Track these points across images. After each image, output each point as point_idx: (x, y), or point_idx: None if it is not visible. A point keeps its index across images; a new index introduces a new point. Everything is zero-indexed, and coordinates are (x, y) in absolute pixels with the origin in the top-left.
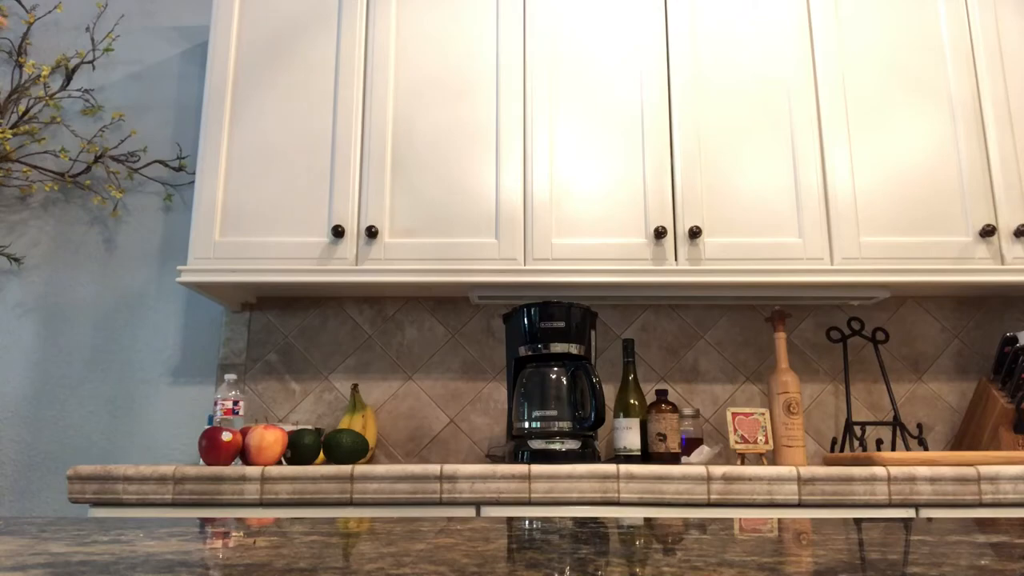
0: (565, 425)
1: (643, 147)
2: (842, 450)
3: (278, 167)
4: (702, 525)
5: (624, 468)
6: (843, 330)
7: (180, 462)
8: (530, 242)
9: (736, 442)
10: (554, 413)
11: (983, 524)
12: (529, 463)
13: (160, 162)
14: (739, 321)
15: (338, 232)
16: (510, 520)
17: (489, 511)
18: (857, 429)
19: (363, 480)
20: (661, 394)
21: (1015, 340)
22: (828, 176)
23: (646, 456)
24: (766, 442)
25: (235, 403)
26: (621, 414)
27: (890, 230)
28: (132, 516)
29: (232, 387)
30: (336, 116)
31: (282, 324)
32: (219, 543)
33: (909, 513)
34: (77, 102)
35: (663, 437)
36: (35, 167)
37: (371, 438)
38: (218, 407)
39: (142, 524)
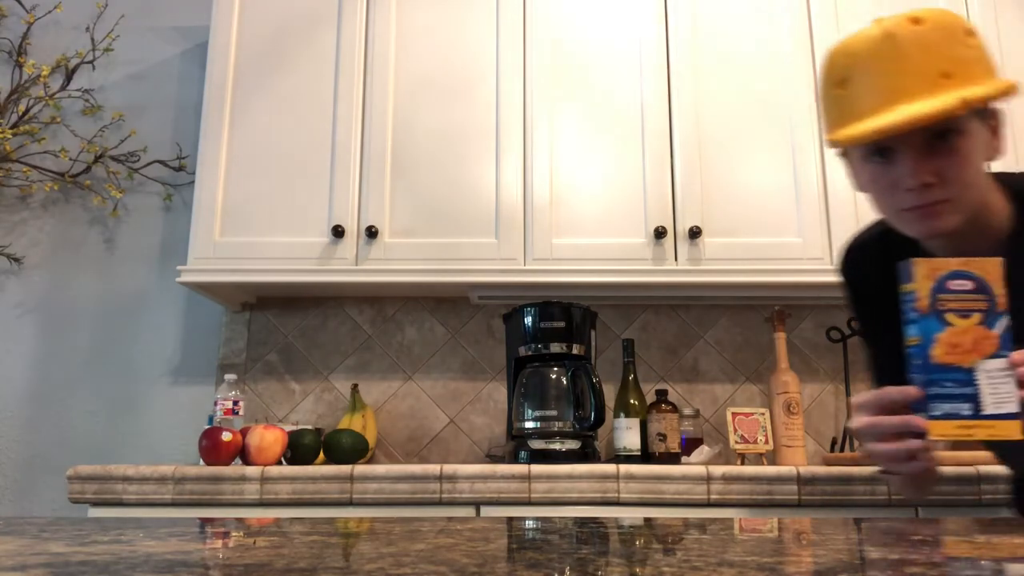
0: (565, 425)
1: (643, 147)
2: (842, 450)
3: (278, 167)
4: (702, 525)
5: (624, 468)
6: (843, 330)
7: (180, 462)
8: (530, 242)
9: (736, 442)
10: (554, 413)
11: (983, 524)
12: (529, 463)
13: (160, 162)
14: (739, 321)
15: (338, 232)
16: (510, 520)
17: (489, 511)
18: None
19: (363, 480)
20: (661, 394)
21: None
22: (828, 176)
23: (646, 456)
24: (766, 442)
25: (235, 403)
26: (621, 414)
27: None
28: (132, 516)
29: (232, 387)
30: (336, 116)
31: (282, 324)
32: (219, 543)
33: (909, 513)
34: (77, 102)
35: (663, 437)
36: (35, 167)
37: (371, 438)
38: (218, 407)
39: (142, 524)
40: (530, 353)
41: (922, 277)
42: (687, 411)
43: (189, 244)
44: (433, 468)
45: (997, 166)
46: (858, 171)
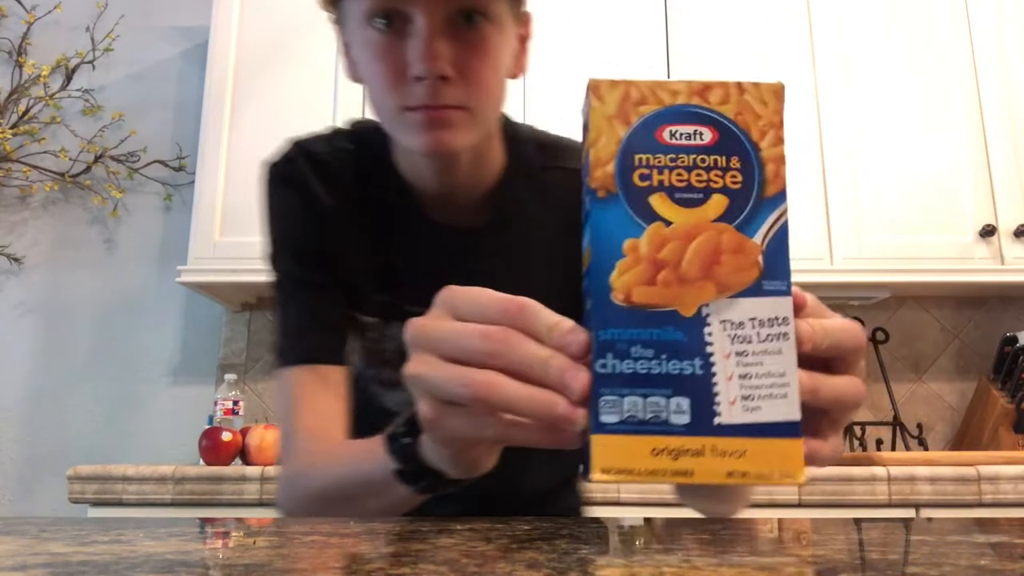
0: None
1: None
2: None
3: None
4: (702, 524)
5: None
6: None
7: (180, 462)
8: None
9: None
10: None
11: (983, 524)
12: None
13: (160, 162)
14: None
15: None
16: (510, 520)
17: None
18: (857, 429)
19: None
20: None
21: (1015, 340)
22: (828, 176)
23: None
24: None
25: (235, 403)
26: None
27: (890, 230)
28: (132, 516)
29: (232, 387)
30: (336, 116)
31: None
32: (219, 543)
33: (909, 513)
34: (77, 102)
35: None
36: (35, 167)
37: None
38: (218, 407)
39: (142, 524)
40: None
41: (607, 116)
42: None
43: (189, 244)
44: None
45: (1005, 159)
46: (355, 44)
